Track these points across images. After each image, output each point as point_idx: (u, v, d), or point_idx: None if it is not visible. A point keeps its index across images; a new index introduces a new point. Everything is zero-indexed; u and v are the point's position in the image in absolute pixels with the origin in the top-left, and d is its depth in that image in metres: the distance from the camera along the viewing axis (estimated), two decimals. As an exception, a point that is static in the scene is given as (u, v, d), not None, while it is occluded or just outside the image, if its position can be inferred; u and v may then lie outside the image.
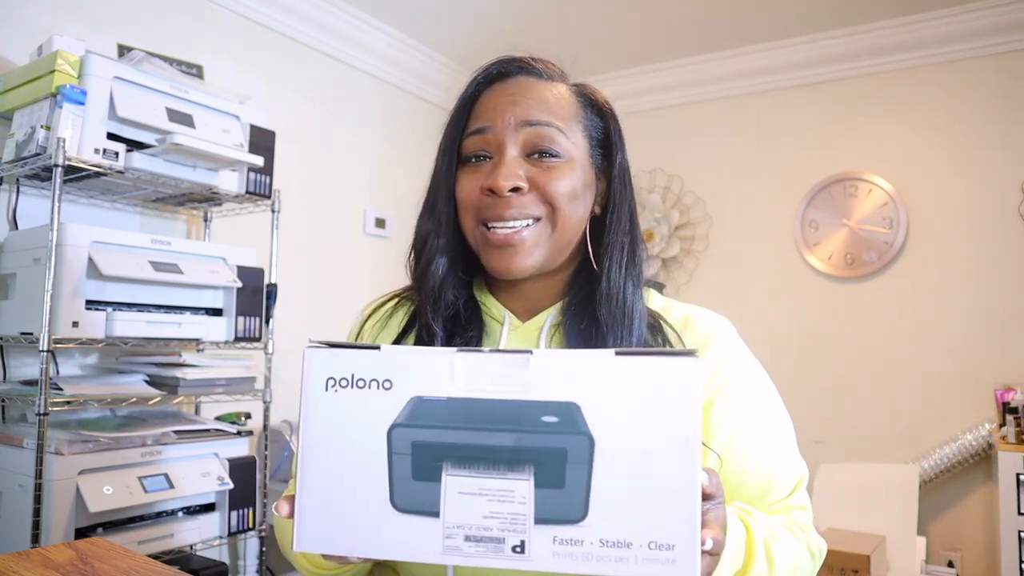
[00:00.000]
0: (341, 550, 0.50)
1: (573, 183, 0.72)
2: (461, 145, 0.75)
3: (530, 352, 0.50)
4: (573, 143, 0.73)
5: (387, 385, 0.50)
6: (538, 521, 0.47)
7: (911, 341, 2.67)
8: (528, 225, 0.71)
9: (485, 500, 0.48)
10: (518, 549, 0.47)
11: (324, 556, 0.57)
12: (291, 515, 0.51)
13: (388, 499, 0.49)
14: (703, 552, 0.47)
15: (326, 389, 0.51)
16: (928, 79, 2.71)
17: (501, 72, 0.76)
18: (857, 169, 2.82)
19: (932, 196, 2.68)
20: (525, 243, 0.71)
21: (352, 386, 0.51)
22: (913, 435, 2.63)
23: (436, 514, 0.48)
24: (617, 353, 0.49)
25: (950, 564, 2.54)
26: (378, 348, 0.51)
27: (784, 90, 3.00)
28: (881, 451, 2.68)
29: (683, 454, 0.47)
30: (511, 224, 0.70)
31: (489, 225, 0.72)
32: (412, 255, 0.79)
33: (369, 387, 0.50)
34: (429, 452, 0.49)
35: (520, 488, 0.48)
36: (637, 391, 0.48)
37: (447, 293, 0.76)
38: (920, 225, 2.70)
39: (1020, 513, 2.12)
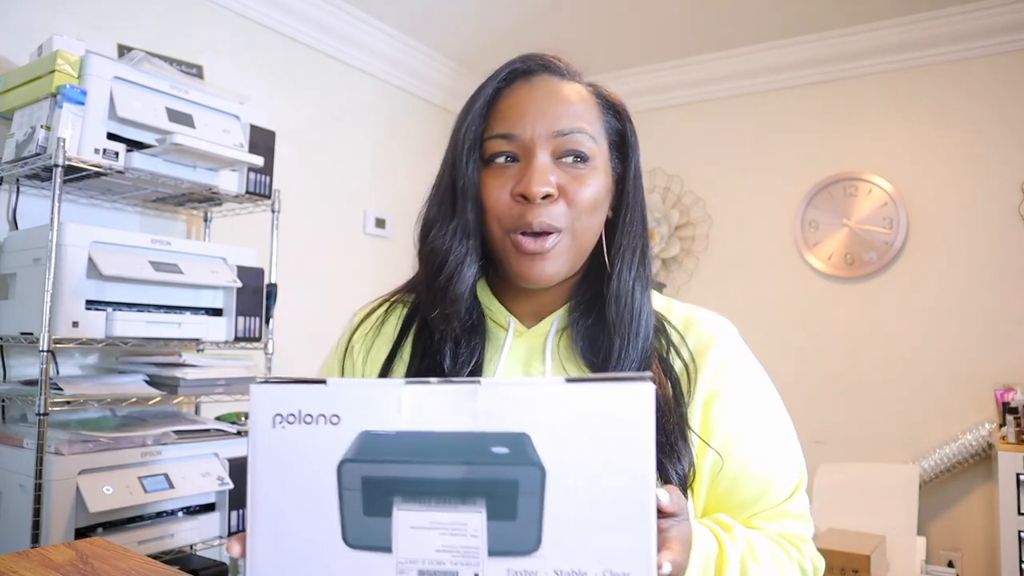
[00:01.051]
0: None
1: (598, 190, 0.72)
2: (484, 145, 0.73)
3: (478, 382, 0.49)
4: (598, 146, 0.73)
5: (335, 420, 0.49)
6: (492, 553, 0.47)
7: (911, 341, 2.67)
8: (553, 235, 0.70)
9: (438, 534, 0.47)
10: None
11: None
12: (243, 554, 0.50)
13: (340, 536, 0.48)
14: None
15: (273, 426, 0.50)
16: (928, 79, 2.71)
17: (524, 70, 0.75)
18: (857, 169, 2.82)
19: (932, 196, 2.68)
20: (552, 252, 0.70)
21: (300, 422, 0.50)
22: (913, 435, 2.63)
23: (389, 549, 0.48)
24: (568, 380, 0.48)
25: (950, 564, 2.54)
26: (324, 382, 0.50)
27: (784, 90, 3.00)
28: (881, 451, 2.68)
29: (636, 479, 0.46)
30: (539, 233, 0.69)
31: (519, 234, 0.70)
32: (428, 258, 0.74)
33: (317, 422, 0.49)
34: (379, 487, 0.48)
35: (472, 521, 0.47)
36: (588, 418, 0.47)
37: (468, 300, 0.74)
38: (920, 225, 2.70)
39: (1020, 513, 2.12)
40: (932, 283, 2.65)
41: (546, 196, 0.69)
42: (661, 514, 0.52)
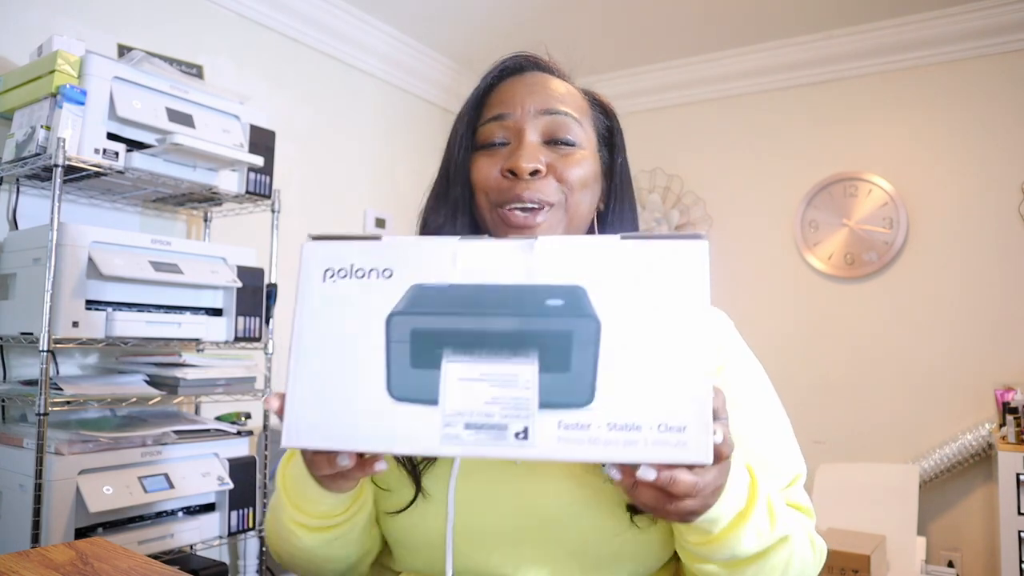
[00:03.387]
0: (333, 444, 0.47)
1: (586, 171, 0.73)
2: (476, 133, 0.75)
3: (535, 237, 0.48)
4: (586, 134, 0.75)
5: (387, 274, 0.49)
6: (543, 406, 0.45)
7: (911, 341, 2.67)
8: (544, 209, 0.71)
9: (487, 385, 0.46)
10: (521, 435, 0.45)
11: (312, 468, 0.54)
12: (280, 410, 0.49)
13: (385, 389, 0.47)
14: (714, 447, 0.45)
15: (324, 280, 0.49)
16: (928, 79, 2.71)
17: (516, 67, 0.78)
18: (857, 169, 2.82)
19: (932, 196, 2.68)
20: (541, 226, 0.71)
21: (351, 276, 0.49)
22: (913, 435, 2.63)
23: (435, 402, 0.46)
24: (623, 237, 0.47)
25: (950, 564, 2.54)
26: (378, 238, 0.49)
27: (784, 90, 3.00)
28: (881, 451, 2.68)
29: (692, 335, 0.45)
30: (529, 206, 0.70)
31: (507, 208, 0.71)
32: None
33: (368, 276, 0.49)
34: (429, 339, 0.47)
35: (524, 372, 0.46)
36: (644, 274, 0.46)
37: None
38: (920, 225, 2.70)
39: (1020, 513, 2.12)
40: (932, 283, 2.65)
41: (535, 172, 0.70)
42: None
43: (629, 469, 0.48)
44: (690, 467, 0.48)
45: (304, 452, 0.56)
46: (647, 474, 0.47)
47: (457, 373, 0.46)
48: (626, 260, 0.47)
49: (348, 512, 0.67)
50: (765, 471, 0.71)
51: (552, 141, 0.73)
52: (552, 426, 0.45)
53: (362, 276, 0.49)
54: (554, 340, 0.46)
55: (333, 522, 0.67)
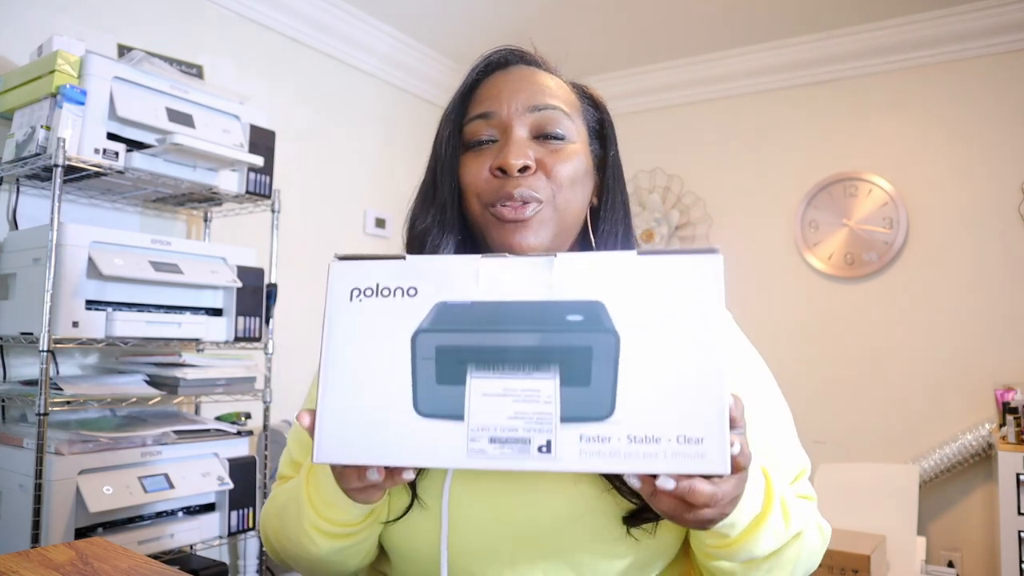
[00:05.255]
0: (363, 459, 0.49)
1: (577, 166, 0.72)
2: (463, 131, 0.74)
3: (554, 255, 0.50)
4: (576, 128, 0.74)
5: (412, 292, 0.50)
6: (564, 420, 0.47)
7: (911, 341, 2.67)
8: (534, 205, 0.70)
9: (510, 401, 0.47)
10: (544, 449, 0.47)
11: (340, 480, 0.55)
12: (311, 426, 0.50)
13: (411, 405, 0.49)
14: (732, 458, 0.46)
15: (351, 299, 0.51)
16: (928, 79, 2.71)
17: (501, 61, 0.77)
18: (857, 169, 2.82)
19: (932, 196, 2.68)
20: (533, 220, 0.70)
21: (377, 295, 0.50)
22: (913, 435, 2.63)
23: (460, 417, 0.48)
24: (639, 253, 0.49)
25: (950, 564, 2.54)
26: (403, 258, 0.51)
27: (784, 90, 3.00)
28: (881, 451, 2.68)
29: (709, 348, 0.46)
30: (519, 203, 0.69)
31: (498, 205, 0.70)
32: (411, 244, 0.76)
33: (394, 295, 0.50)
34: (454, 356, 0.48)
35: (546, 387, 0.47)
36: (661, 288, 0.48)
37: None
38: (920, 225, 2.70)
39: (1020, 513, 2.12)
40: (932, 283, 2.65)
41: (524, 168, 0.69)
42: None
43: (649, 478, 0.49)
44: (708, 477, 0.49)
45: (334, 465, 0.57)
46: (666, 484, 0.48)
47: (481, 389, 0.48)
48: (643, 275, 0.48)
49: (367, 520, 0.68)
50: (772, 467, 0.72)
51: (541, 136, 0.72)
52: (574, 439, 0.47)
53: (387, 295, 0.50)
54: (574, 355, 0.47)
55: (353, 530, 0.68)
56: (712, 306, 0.47)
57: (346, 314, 0.50)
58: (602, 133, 0.79)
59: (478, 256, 0.50)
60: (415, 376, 0.49)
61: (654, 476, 0.48)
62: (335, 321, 0.51)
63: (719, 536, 0.59)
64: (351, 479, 0.55)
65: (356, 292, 0.51)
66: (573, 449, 0.46)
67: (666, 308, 0.47)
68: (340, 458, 0.49)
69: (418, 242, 0.75)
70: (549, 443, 0.47)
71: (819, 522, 0.71)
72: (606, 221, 0.76)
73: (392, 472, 0.53)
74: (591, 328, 0.48)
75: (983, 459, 2.48)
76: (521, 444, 0.47)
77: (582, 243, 0.77)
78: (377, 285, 0.51)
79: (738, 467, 0.49)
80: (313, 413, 0.50)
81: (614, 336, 0.47)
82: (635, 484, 0.49)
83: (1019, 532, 2.12)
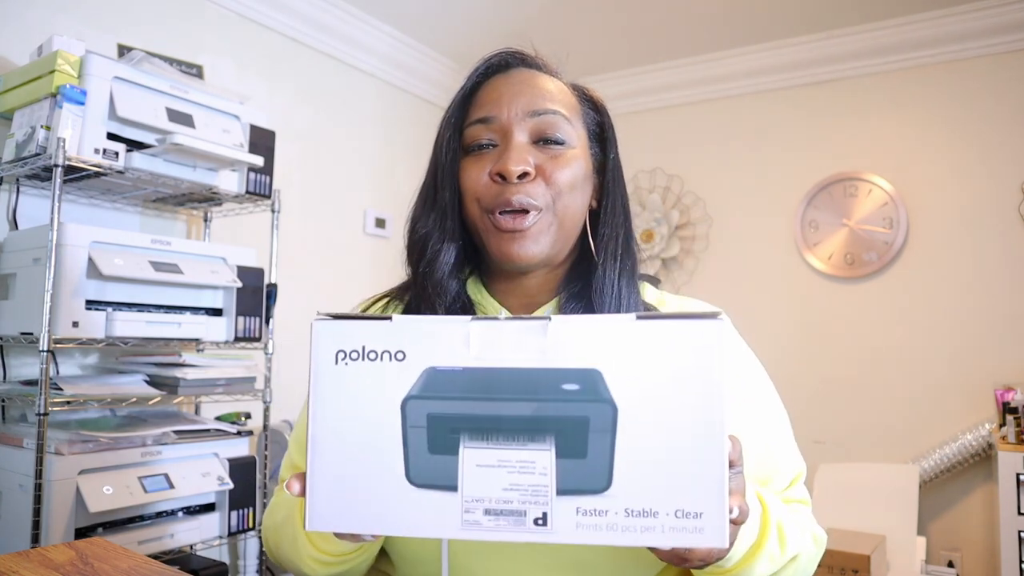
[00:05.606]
0: (355, 528, 0.48)
1: (576, 172, 0.72)
2: (463, 135, 0.74)
3: (548, 318, 0.48)
4: (576, 132, 0.74)
5: (400, 356, 0.48)
6: (560, 492, 0.46)
7: (911, 341, 2.67)
8: (533, 213, 0.70)
9: (505, 472, 0.46)
10: (540, 522, 0.46)
11: (337, 536, 0.55)
12: (303, 493, 0.49)
13: (403, 474, 0.47)
14: (730, 521, 0.46)
15: (336, 362, 0.49)
16: (928, 79, 2.71)
17: (501, 63, 0.76)
18: (857, 169, 2.82)
19: (932, 196, 2.68)
20: (531, 230, 0.70)
21: (363, 358, 0.49)
22: (913, 435, 2.63)
23: (454, 488, 0.47)
24: (638, 317, 0.47)
25: (950, 564, 2.54)
26: (390, 319, 0.49)
27: (784, 90, 3.00)
28: (881, 451, 2.68)
29: (709, 419, 0.45)
30: (518, 210, 0.69)
31: (497, 212, 0.70)
32: (411, 248, 0.76)
33: (381, 359, 0.49)
34: (445, 424, 0.47)
35: (541, 459, 0.46)
36: (660, 356, 0.46)
37: (452, 286, 0.75)
38: (920, 225, 2.70)
39: (1020, 513, 2.12)
40: (932, 283, 2.65)
41: (523, 175, 0.69)
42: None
43: None
44: None
45: None
46: (664, 546, 0.48)
47: (475, 459, 0.47)
48: (641, 341, 0.47)
49: (362, 548, 0.69)
50: (767, 479, 0.72)
51: (541, 141, 0.71)
52: (570, 512, 0.46)
53: (375, 358, 0.49)
54: (570, 426, 0.46)
55: (348, 558, 0.69)
56: (713, 374, 0.46)
57: (333, 377, 0.49)
58: (602, 136, 0.78)
59: (468, 318, 0.48)
60: (406, 445, 0.48)
61: None
62: (321, 384, 0.49)
63: (715, 567, 0.60)
64: (344, 535, 0.55)
65: (342, 355, 0.49)
66: (570, 522, 0.46)
67: (666, 376, 0.46)
68: (333, 527, 0.49)
69: (419, 247, 0.75)
70: (545, 516, 0.46)
71: (814, 531, 0.71)
72: (606, 225, 0.75)
73: None
74: (588, 398, 0.46)
75: (983, 459, 2.48)
76: (517, 516, 0.46)
77: (582, 249, 0.77)
78: (363, 348, 0.49)
79: (736, 525, 0.50)
80: (302, 479, 0.49)
81: (611, 407, 0.46)
82: None
83: (1019, 532, 2.12)
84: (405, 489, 0.47)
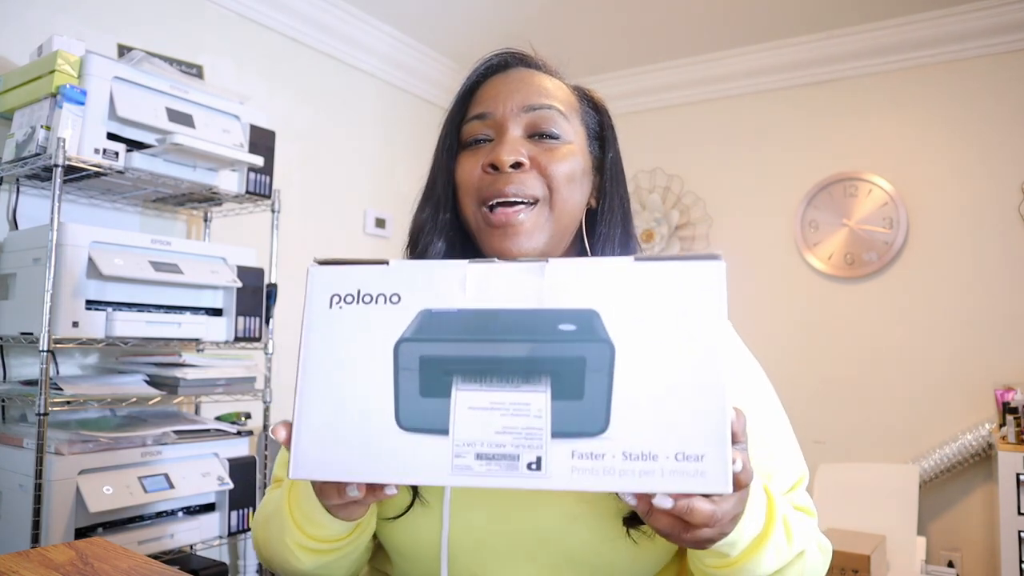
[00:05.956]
0: (342, 475, 0.47)
1: (572, 166, 0.72)
2: (461, 131, 0.75)
3: (545, 260, 0.47)
4: (573, 128, 0.74)
5: (395, 299, 0.47)
6: (555, 435, 0.44)
7: (911, 341, 2.67)
8: (528, 205, 0.70)
9: (498, 415, 0.45)
10: (533, 466, 0.44)
11: (321, 496, 0.54)
12: (287, 441, 0.48)
13: (393, 418, 0.46)
14: (733, 476, 0.44)
15: (330, 306, 0.48)
16: (928, 79, 2.71)
17: (501, 63, 0.77)
18: (857, 169, 2.82)
19: (932, 196, 2.68)
20: (525, 224, 0.69)
21: (358, 302, 0.48)
22: (913, 435, 2.63)
23: (445, 432, 0.45)
24: (636, 259, 0.46)
25: (950, 564, 2.54)
26: (386, 262, 0.48)
27: (784, 90, 3.00)
28: (881, 451, 2.68)
29: (709, 360, 0.44)
30: (511, 201, 0.69)
31: (490, 205, 0.70)
32: (408, 240, 0.78)
33: (376, 302, 0.48)
34: (438, 366, 0.46)
35: (536, 401, 0.45)
36: (659, 297, 0.45)
37: None
38: (920, 225, 2.70)
39: (1020, 513, 2.12)
40: (932, 283, 2.65)
41: (516, 165, 0.69)
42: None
43: (645, 496, 0.47)
44: (708, 496, 0.47)
45: (313, 481, 0.56)
46: (663, 502, 0.46)
47: (467, 402, 0.45)
48: (640, 282, 0.45)
49: (351, 535, 0.67)
50: (770, 477, 0.71)
51: (536, 135, 0.72)
52: (565, 456, 0.44)
53: (369, 301, 0.48)
54: (567, 366, 0.45)
55: (336, 546, 0.66)
56: (713, 316, 0.44)
57: (325, 321, 0.48)
58: (602, 136, 0.78)
59: (465, 261, 0.47)
60: (397, 388, 0.46)
61: (651, 494, 0.46)
62: (313, 328, 0.48)
63: (719, 556, 0.58)
64: (331, 495, 0.53)
65: (336, 299, 0.48)
66: (564, 466, 0.44)
67: (664, 318, 0.45)
68: (318, 474, 0.47)
69: (412, 238, 0.76)
70: (539, 460, 0.44)
71: (820, 541, 0.70)
72: (604, 224, 0.75)
73: (373, 488, 0.51)
74: (584, 338, 0.45)
75: (983, 459, 2.48)
76: (509, 460, 0.44)
77: (578, 248, 0.77)
78: (358, 291, 0.48)
79: (740, 484, 0.47)
80: (289, 426, 0.48)
81: (608, 346, 0.45)
82: (631, 502, 0.48)
83: (1019, 532, 2.12)
84: (394, 434, 0.46)
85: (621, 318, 0.45)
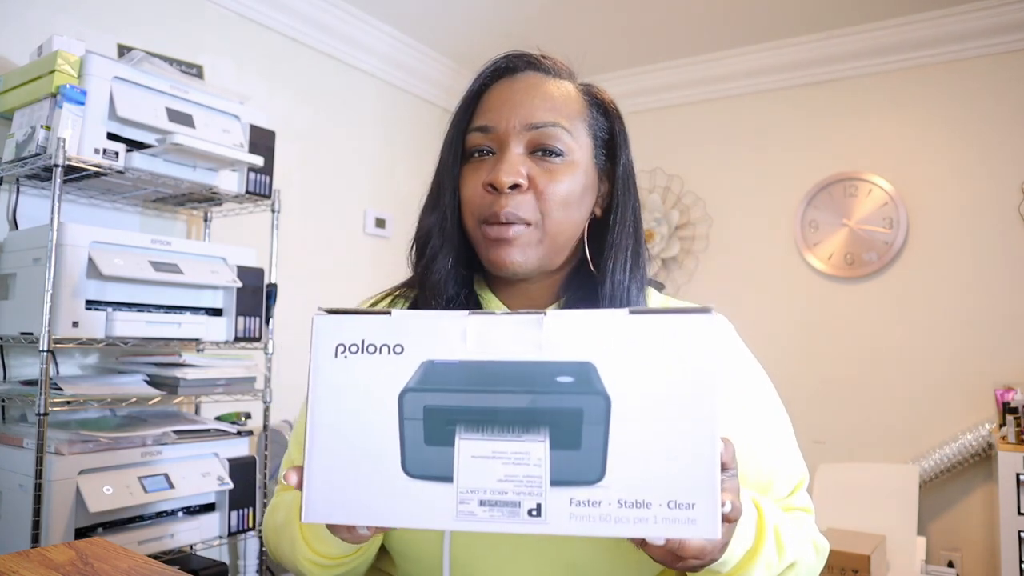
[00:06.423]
0: (351, 519, 0.49)
1: (572, 186, 0.71)
2: (465, 139, 0.75)
3: (543, 313, 0.49)
4: (577, 143, 0.73)
5: (398, 350, 0.49)
6: (554, 483, 0.46)
7: (911, 341, 2.67)
8: (519, 227, 0.70)
9: (500, 463, 0.47)
10: (534, 512, 0.46)
11: (331, 530, 0.56)
12: (299, 485, 0.50)
13: (400, 465, 0.48)
14: (722, 516, 0.46)
15: (336, 356, 0.50)
16: (928, 79, 2.71)
17: (509, 67, 0.76)
18: (857, 169, 2.82)
19: (932, 196, 2.68)
20: (519, 240, 0.70)
21: (362, 352, 0.50)
22: (913, 435, 2.63)
23: (449, 479, 0.47)
24: (631, 312, 0.48)
25: (950, 564, 2.54)
26: (389, 313, 0.50)
27: (784, 90, 3.00)
28: (881, 451, 2.68)
29: (701, 412, 0.46)
30: (504, 223, 0.70)
31: (485, 225, 0.71)
32: (414, 248, 0.78)
33: (380, 352, 0.50)
34: (441, 416, 0.48)
35: (535, 450, 0.47)
36: (653, 350, 0.47)
37: (449, 287, 0.75)
38: (920, 225, 2.70)
39: (1020, 513, 2.12)
40: (932, 283, 2.65)
41: (514, 186, 0.69)
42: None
43: None
44: None
45: None
46: (656, 540, 0.48)
47: (470, 451, 0.48)
48: (635, 335, 0.47)
49: (360, 551, 0.69)
50: (768, 485, 0.72)
51: (539, 151, 0.71)
52: (564, 503, 0.46)
53: (373, 352, 0.50)
54: (564, 418, 0.47)
55: (346, 561, 0.70)
56: (705, 368, 0.46)
57: (331, 371, 0.50)
58: (611, 142, 0.77)
59: (465, 313, 0.49)
60: (403, 436, 0.48)
61: None
62: (321, 377, 0.50)
63: (711, 573, 0.59)
64: (340, 531, 0.55)
65: (341, 348, 0.50)
66: (563, 513, 0.46)
67: (658, 370, 0.47)
68: (329, 518, 0.49)
69: (420, 245, 0.77)
70: (539, 506, 0.47)
71: (816, 540, 0.71)
72: (613, 234, 0.74)
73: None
74: (581, 390, 0.47)
75: (983, 459, 2.48)
76: (511, 507, 0.47)
77: (580, 255, 0.76)
78: (363, 341, 0.50)
79: (728, 521, 0.49)
80: (300, 471, 0.50)
81: (604, 399, 0.47)
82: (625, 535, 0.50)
83: (1019, 532, 2.12)
84: (401, 480, 0.48)
85: (616, 370, 0.47)
